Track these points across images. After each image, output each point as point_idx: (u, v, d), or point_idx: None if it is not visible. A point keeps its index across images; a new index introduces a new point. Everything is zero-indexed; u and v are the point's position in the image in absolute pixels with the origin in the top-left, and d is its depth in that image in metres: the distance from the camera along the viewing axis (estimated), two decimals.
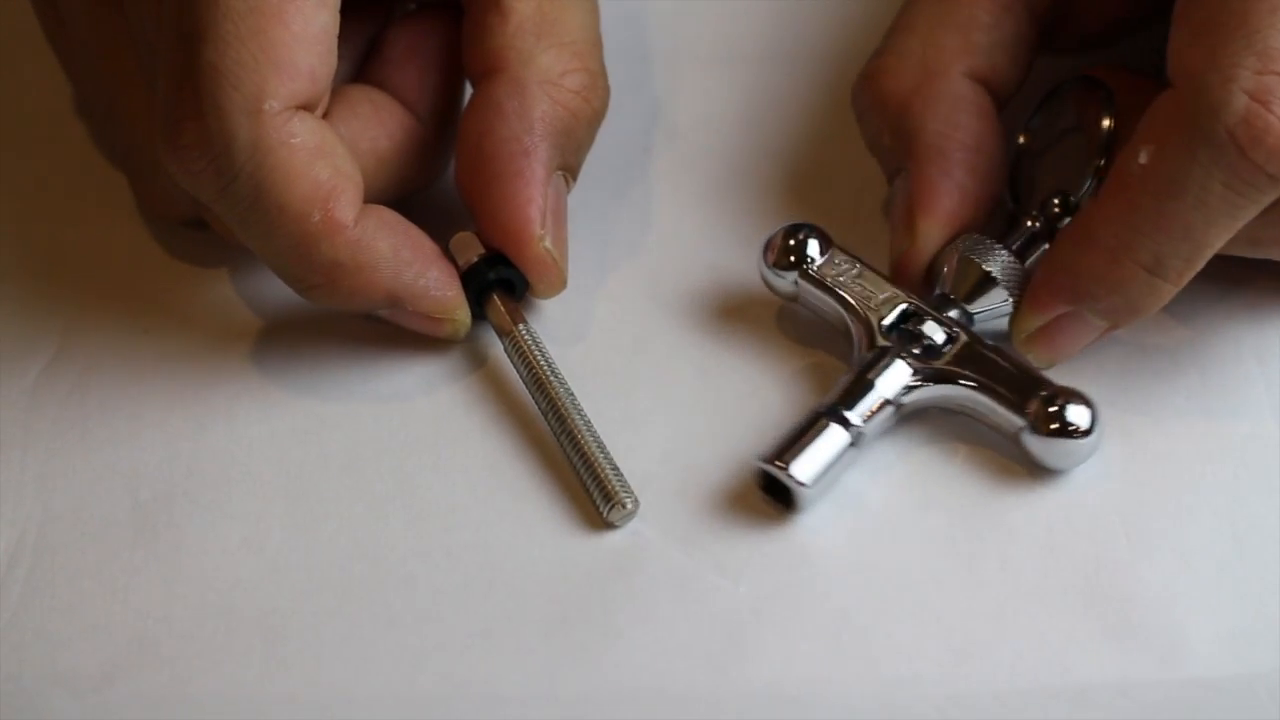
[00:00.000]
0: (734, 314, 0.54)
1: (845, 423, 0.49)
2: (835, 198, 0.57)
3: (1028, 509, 0.50)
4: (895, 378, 0.50)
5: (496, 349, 0.54)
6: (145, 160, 0.55)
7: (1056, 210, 0.53)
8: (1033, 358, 0.51)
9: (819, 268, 0.53)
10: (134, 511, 0.51)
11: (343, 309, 0.52)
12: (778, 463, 0.49)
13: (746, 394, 0.53)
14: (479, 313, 0.53)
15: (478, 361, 0.54)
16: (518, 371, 0.53)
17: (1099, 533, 0.49)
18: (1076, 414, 0.49)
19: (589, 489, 0.50)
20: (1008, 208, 0.55)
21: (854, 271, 0.52)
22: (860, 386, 0.50)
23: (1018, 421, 0.50)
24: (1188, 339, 0.53)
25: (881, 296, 0.52)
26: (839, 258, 0.53)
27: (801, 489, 0.49)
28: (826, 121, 0.59)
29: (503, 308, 0.53)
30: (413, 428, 0.52)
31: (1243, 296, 0.54)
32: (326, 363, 0.54)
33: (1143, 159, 0.48)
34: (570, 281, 0.54)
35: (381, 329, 0.54)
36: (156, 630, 0.49)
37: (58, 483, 0.52)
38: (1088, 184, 0.53)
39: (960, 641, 0.48)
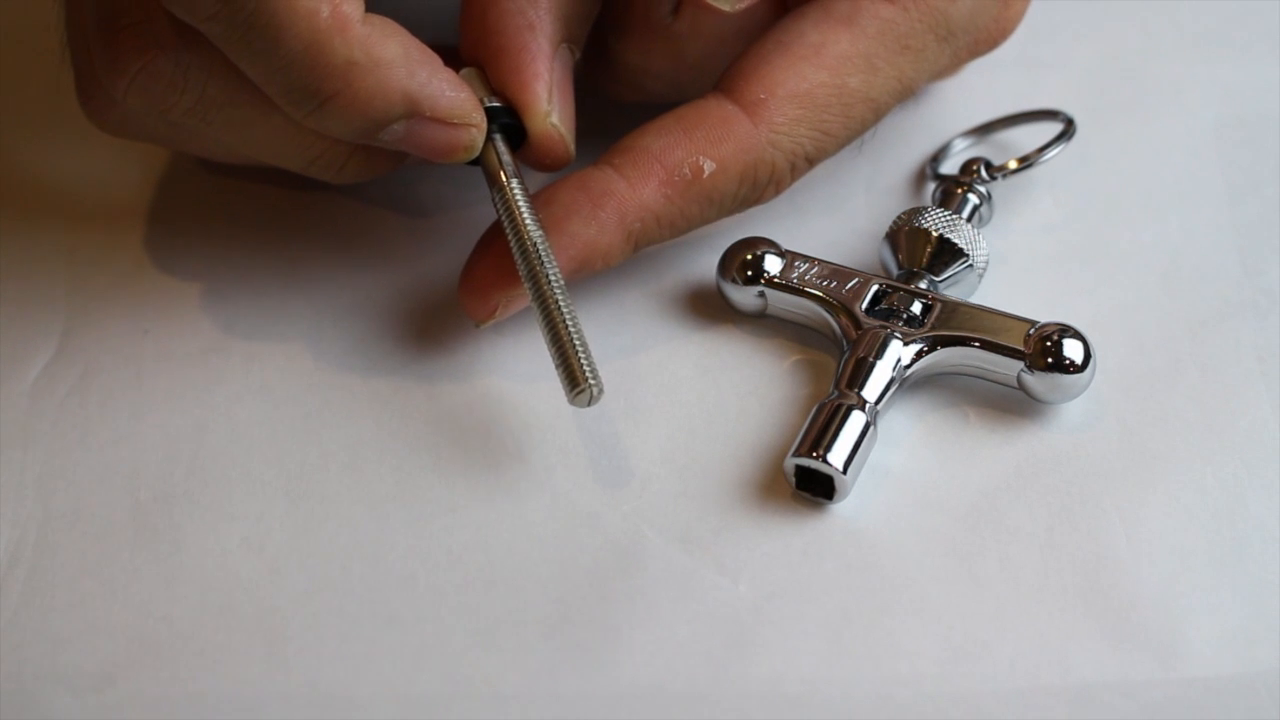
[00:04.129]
0: (734, 311, 0.54)
1: (862, 405, 0.50)
2: (836, 195, 0.57)
3: (1028, 509, 0.50)
4: (893, 354, 0.51)
5: (498, 350, 0.54)
6: (89, 44, 0.51)
7: (975, 170, 0.55)
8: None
9: (781, 274, 0.53)
10: (134, 511, 0.51)
11: (359, 128, 0.49)
12: (814, 454, 0.49)
13: (746, 392, 0.53)
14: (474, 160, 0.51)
15: (479, 362, 0.54)
16: (506, 232, 0.50)
17: (1099, 533, 0.49)
18: (1071, 345, 0.50)
19: (556, 370, 0.49)
20: (931, 179, 0.57)
21: (814, 269, 0.53)
22: (863, 369, 0.51)
23: (1016, 364, 0.51)
24: (1187, 338, 0.53)
25: (850, 284, 0.53)
26: (795, 260, 0.53)
27: (841, 476, 0.49)
28: None
29: (498, 155, 0.51)
30: (413, 428, 0.52)
31: (1242, 295, 0.54)
32: (327, 363, 0.54)
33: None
34: (569, 280, 0.54)
35: (382, 327, 0.54)
36: (156, 630, 0.49)
37: (58, 483, 0.52)
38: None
39: (960, 641, 0.48)
